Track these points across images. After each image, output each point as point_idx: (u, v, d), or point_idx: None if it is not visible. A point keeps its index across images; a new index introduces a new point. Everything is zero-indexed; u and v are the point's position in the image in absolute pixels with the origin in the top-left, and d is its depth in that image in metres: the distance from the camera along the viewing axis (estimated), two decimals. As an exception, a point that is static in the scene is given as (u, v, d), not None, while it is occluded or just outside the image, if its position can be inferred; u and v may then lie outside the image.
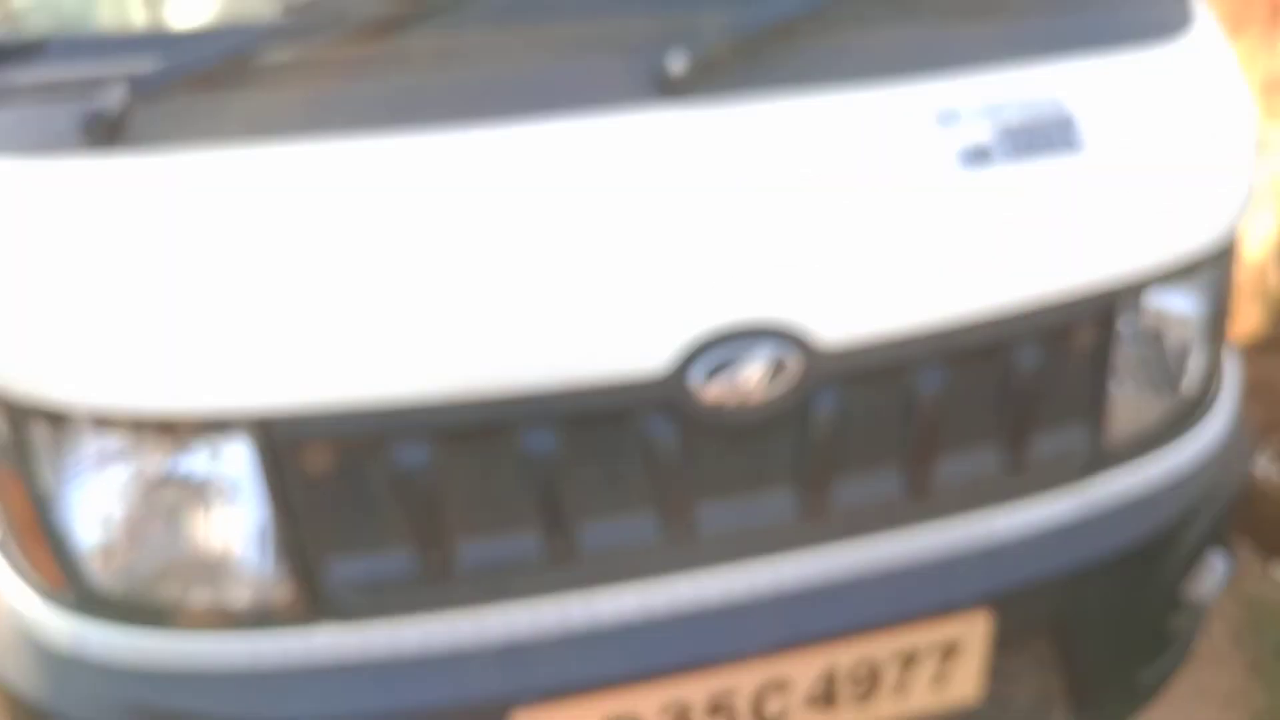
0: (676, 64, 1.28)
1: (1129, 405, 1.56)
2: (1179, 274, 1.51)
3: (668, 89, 1.29)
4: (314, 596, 1.33)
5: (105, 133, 1.22)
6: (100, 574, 1.33)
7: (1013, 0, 1.51)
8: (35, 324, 1.23)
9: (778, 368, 1.28)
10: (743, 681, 1.41)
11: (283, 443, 1.25)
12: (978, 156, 1.37)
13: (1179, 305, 1.56)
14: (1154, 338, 1.56)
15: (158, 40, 1.31)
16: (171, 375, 1.22)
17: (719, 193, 1.28)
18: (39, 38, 1.30)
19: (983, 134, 1.38)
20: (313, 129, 1.24)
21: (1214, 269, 1.57)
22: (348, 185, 1.23)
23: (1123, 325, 1.49)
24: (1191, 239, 1.50)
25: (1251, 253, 3.61)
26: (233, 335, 1.20)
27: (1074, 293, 1.41)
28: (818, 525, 1.41)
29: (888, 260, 1.32)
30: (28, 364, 1.24)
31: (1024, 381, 1.43)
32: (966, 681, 1.52)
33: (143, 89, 1.22)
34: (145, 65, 1.24)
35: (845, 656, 1.43)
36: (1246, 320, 3.55)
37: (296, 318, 1.20)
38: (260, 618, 1.34)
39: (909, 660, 1.47)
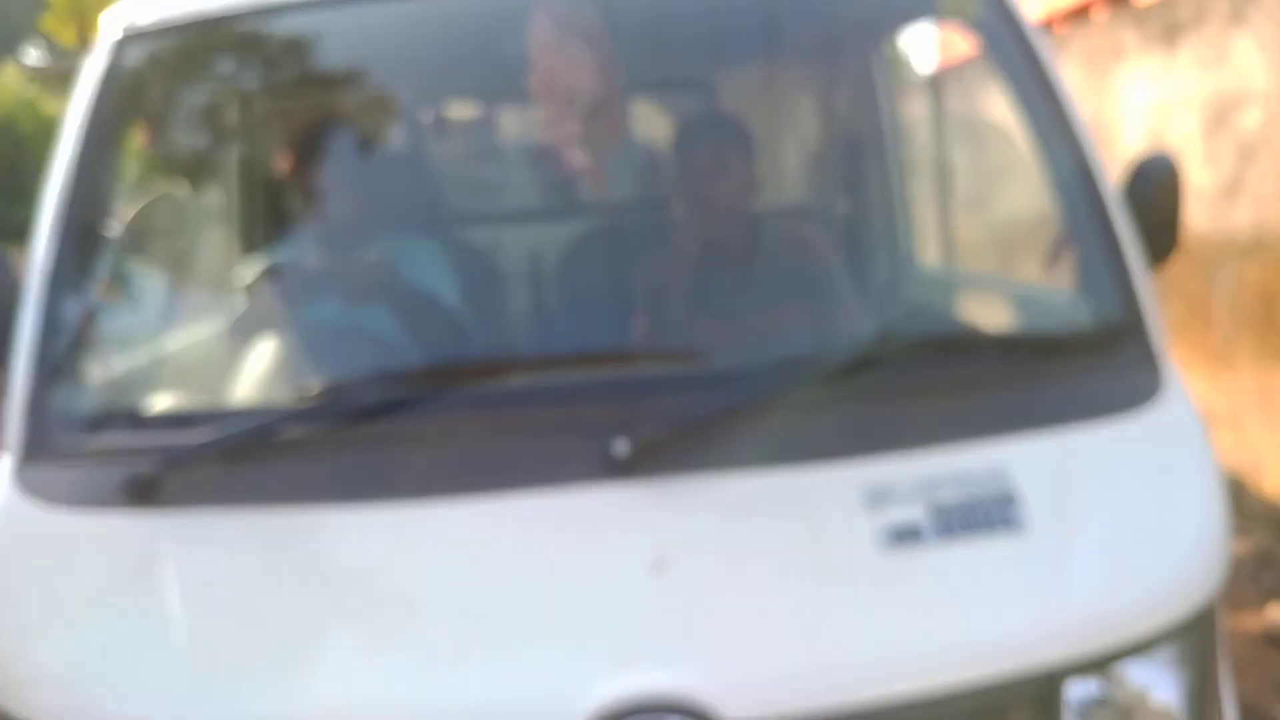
0: (621, 448, 1.40)
1: None
2: (1137, 650, 1.46)
3: (613, 470, 1.40)
4: None
5: (140, 494, 1.42)
6: None
7: (970, 378, 1.58)
8: (39, 665, 1.39)
9: None
10: None
11: None
12: (906, 535, 1.40)
13: (1150, 680, 1.49)
14: (1124, 714, 1.49)
15: (191, 418, 1.54)
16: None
17: (645, 567, 1.36)
18: (95, 412, 1.55)
19: (914, 513, 1.42)
20: (305, 499, 1.42)
21: (1186, 642, 1.50)
22: (324, 553, 1.38)
23: (1076, 704, 1.44)
24: (1149, 616, 1.46)
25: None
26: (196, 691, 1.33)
27: (1009, 674, 1.39)
28: None
29: (799, 639, 1.35)
30: (25, 695, 1.40)
31: None
32: None
33: (173, 460, 1.43)
34: (179, 439, 1.46)
35: None
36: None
37: (244, 674, 1.32)
38: None
39: None
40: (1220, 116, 4.98)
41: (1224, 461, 4.78)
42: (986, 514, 1.43)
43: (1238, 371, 4.86)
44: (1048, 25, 5.95)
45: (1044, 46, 1.88)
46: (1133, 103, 5.61)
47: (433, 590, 1.35)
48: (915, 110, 8.15)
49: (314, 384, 1.51)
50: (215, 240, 2.12)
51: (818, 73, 2.37)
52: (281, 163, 2.08)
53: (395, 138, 2.03)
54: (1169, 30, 5.33)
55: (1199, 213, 5.05)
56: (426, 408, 1.47)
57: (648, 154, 2.39)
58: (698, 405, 1.44)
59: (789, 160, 2.42)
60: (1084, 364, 1.66)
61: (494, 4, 1.89)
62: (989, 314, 2.24)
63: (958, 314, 2.37)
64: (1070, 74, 6.07)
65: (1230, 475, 4.83)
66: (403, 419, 1.46)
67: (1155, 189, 1.83)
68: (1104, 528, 1.47)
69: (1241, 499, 4.73)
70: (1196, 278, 5.09)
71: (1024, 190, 2.10)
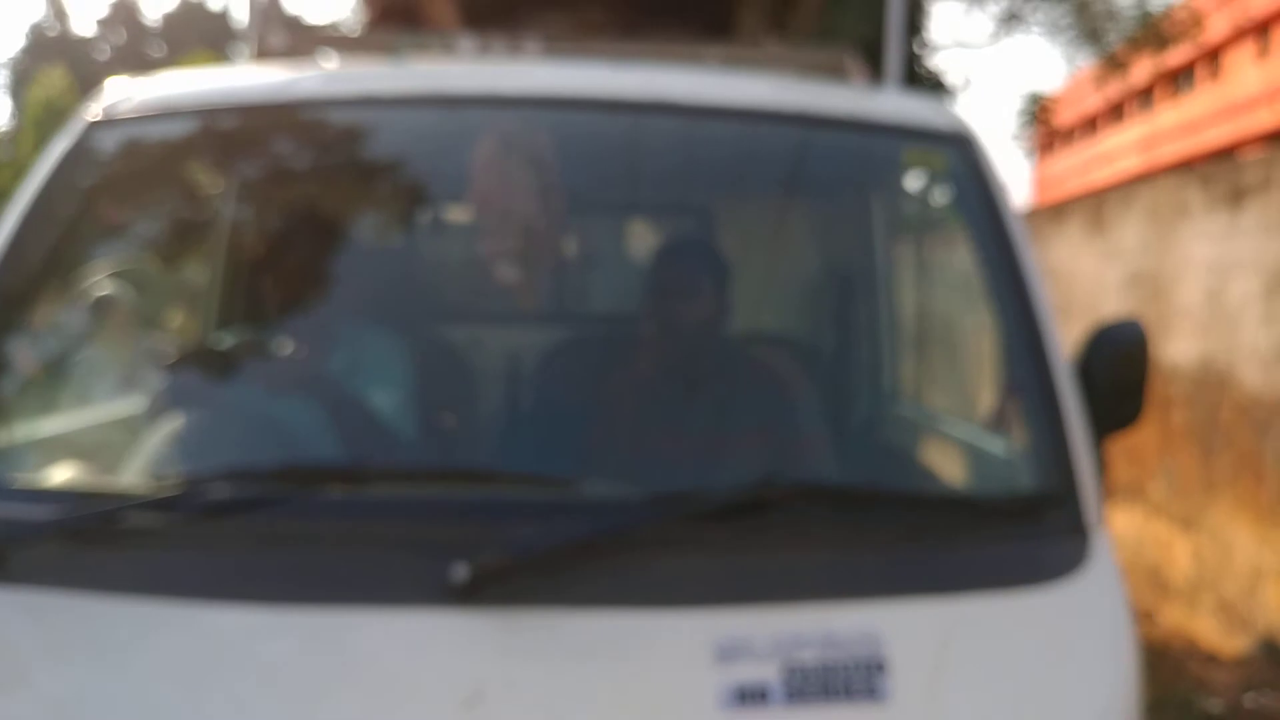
0: (459, 573, 1.29)
1: None
2: None
3: (449, 596, 1.30)
4: None
5: None
6: None
7: (864, 533, 1.43)
8: None
9: None
10: None
11: None
12: (750, 696, 1.26)
13: None
14: None
15: (55, 495, 1.48)
16: None
17: (457, 703, 1.24)
18: None
19: (765, 672, 1.27)
20: (138, 591, 1.33)
21: None
22: (135, 650, 1.30)
23: None
24: None
25: None
26: None
27: None
28: None
29: None
30: None
31: None
32: None
33: (13, 536, 1.37)
34: (31, 515, 1.39)
35: None
36: None
37: None
38: None
39: None
40: (1280, 279, 4.72)
41: (1268, 619, 4.38)
42: (847, 681, 1.27)
43: (1288, 529, 4.50)
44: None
45: (1009, 206, 1.77)
46: (1194, 260, 5.37)
47: (231, 701, 1.25)
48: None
49: (172, 474, 1.45)
50: (166, 320, 2.11)
51: (793, 213, 2.28)
52: (243, 251, 2.08)
53: (358, 236, 1.99)
54: (1235, 192, 5.11)
55: (1253, 372, 4.79)
56: (276, 510, 1.40)
57: (627, 272, 2.32)
58: (548, 534, 1.33)
59: (769, 291, 2.31)
60: (1002, 529, 1.49)
61: (456, 118, 1.87)
62: (948, 462, 2.07)
63: (922, 459, 2.20)
64: (1134, 228, 5.88)
65: (1276, 633, 4.42)
66: (250, 519, 1.39)
67: (1122, 355, 1.68)
68: (979, 710, 1.29)
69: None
70: (1249, 434, 4.79)
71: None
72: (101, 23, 28.95)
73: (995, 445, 1.76)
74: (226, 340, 1.97)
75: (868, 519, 1.45)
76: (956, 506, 1.53)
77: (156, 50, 26.49)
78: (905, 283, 2.37)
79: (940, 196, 2.04)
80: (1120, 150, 29.80)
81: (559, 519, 1.36)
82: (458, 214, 2.00)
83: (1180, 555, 5.19)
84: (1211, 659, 4.53)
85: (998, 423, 1.74)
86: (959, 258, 1.98)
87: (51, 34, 28.66)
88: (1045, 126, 18.19)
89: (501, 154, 1.81)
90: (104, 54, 27.61)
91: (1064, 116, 31.28)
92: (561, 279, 2.08)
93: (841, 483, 1.59)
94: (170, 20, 27.98)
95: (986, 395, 1.88)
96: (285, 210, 1.96)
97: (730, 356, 2.00)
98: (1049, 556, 1.45)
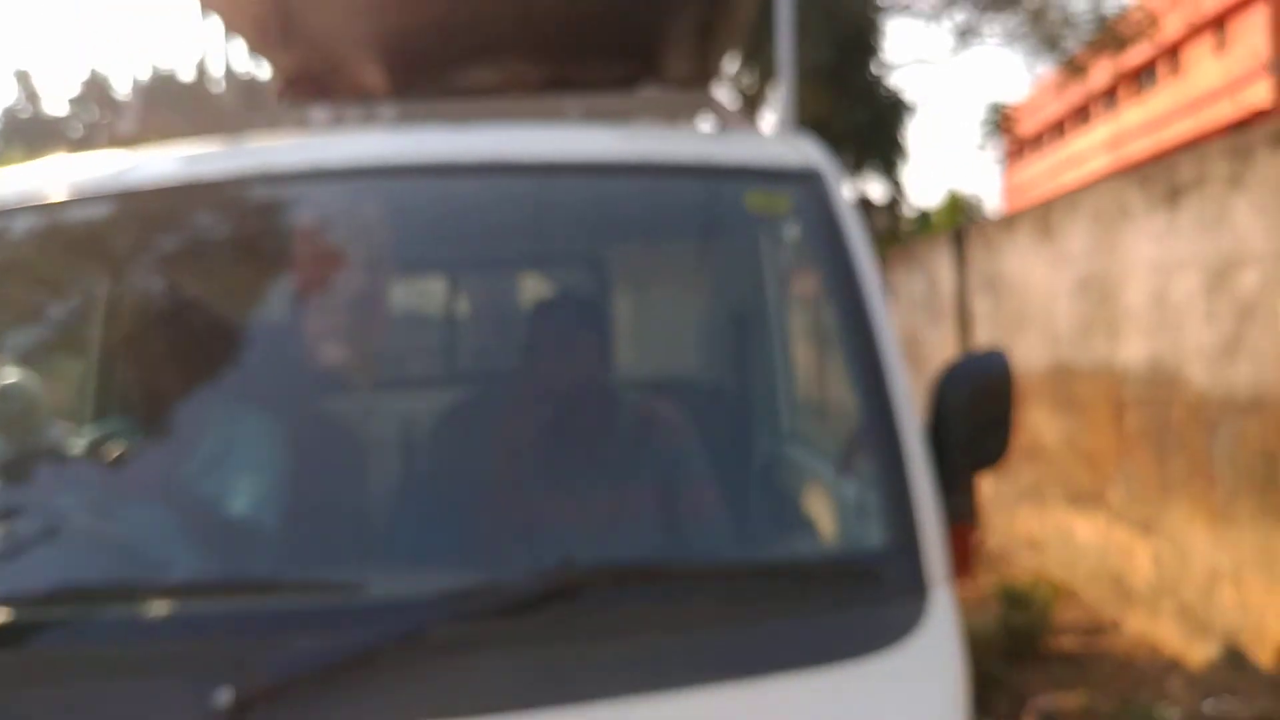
0: (223, 698, 1.19)
1: None
2: None
3: None
4: None
5: None
6: None
7: (680, 615, 1.32)
8: None
9: None
10: None
11: None
12: None
13: None
14: None
15: None
16: None
17: None
18: None
19: None
20: None
21: None
22: None
23: None
24: None
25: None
26: None
27: None
28: None
29: None
30: None
31: None
32: None
33: None
34: None
35: None
36: None
37: None
38: None
39: None
40: (1220, 276, 4.65)
41: (1226, 622, 4.28)
42: None
43: (1240, 530, 4.41)
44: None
45: (857, 240, 1.68)
46: (1139, 262, 5.30)
47: None
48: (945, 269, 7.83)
49: None
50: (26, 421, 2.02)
51: (637, 265, 2.20)
52: (104, 343, 2.00)
53: (196, 320, 1.88)
54: (1172, 191, 5.06)
55: (1199, 371, 4.70)
56: (42, 637, 1.29)
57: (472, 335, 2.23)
58: (320, 649, 1.22)
59: (626, 343, 2.21)
60: (832, 596, 1.39)
61: (282, 194, 1.79)
62: (820, 514, 1.97)
63: (803, 511, 2.10)
64: (1081, 232, 5.81)
65: (1233, 637, 4.32)
66: (16, 648, 1.28)
67: (984, 388, 1.58)
68: None
69: (1243, 663, 4.21)
70: (1198, 435, 4.70)
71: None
72: (74, 101, 29.00)
73: (846, 496, 1.66)
74: (79, 439, 1.87)
75: (682, 598, 1.35)
76: (783, 574, 1.43)
77: (129, 125, 26.47)
78: (770, 323, 2.28)
79: (786, 235, 1.96)
80: (1088, 152, 29.89)
81: (335, 629, 1.26)
82: (289, 293, 1.92)
83: (1141, 561, 5.08)
84: (1173, 666, 4.44)
85: (844, 472, 1.65)
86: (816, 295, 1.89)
87: (24, 115, 28.71)
88: (1010, 135, 18.23)
89: (320, 230, 1.74)
90: (78, 132, 27.66)
91: (1030, 123, 31.37)
92: (395, 350, 1.99)
93: (651, 560, 1.48)
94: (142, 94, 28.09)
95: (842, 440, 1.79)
96: (127, 300, 1.88)
97: (602, 413, 1.90)
98: (880, 623, 1.35)
